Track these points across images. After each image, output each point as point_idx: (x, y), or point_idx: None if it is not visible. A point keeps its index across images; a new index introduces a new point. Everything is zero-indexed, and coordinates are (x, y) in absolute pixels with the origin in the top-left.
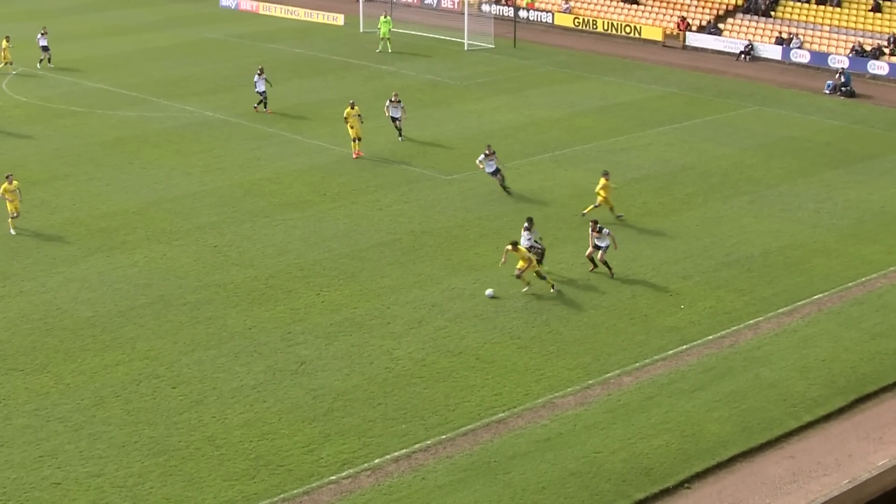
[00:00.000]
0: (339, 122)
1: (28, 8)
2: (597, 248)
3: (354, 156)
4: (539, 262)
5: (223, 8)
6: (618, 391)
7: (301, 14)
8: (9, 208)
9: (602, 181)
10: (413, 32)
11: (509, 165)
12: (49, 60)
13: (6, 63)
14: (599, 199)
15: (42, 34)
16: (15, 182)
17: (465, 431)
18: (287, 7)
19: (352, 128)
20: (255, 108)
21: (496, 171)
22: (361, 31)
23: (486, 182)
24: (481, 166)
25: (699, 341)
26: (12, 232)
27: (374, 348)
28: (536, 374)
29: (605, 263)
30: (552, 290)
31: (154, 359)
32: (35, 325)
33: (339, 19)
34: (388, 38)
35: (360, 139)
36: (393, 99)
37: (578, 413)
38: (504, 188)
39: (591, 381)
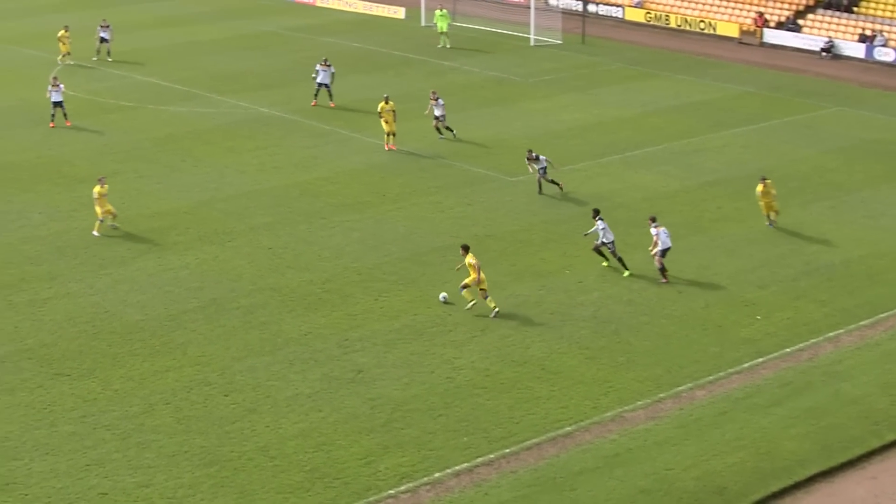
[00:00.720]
0: (399, 121)
1: None
2: (662, 253)
3: (387, 148)
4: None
5: None
6: (690, 405)
7: (359, 7)
8: (97, 212)
9: (760, 187)
10: (477, 27)
11: (577, 167)
12: (108, 53)
13: (65, 54)
14: (768, 205)
15: (102, 26)
16: (107, 185)
17: (529, 445)
18: None
19: (385, 122)
20: (320, 103)
21: (544, 170)
22: (423, 24)
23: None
24: (531, 170)
25: (776, 354)
26: (95, 234)
27: (434, 357)
28: (605, 387)
29: (662, 268)
30: (493, 313)
31: (205, 365)
32: (82, 329)
33: (400, 12)
34: (447, 33)
35: (394, 134)
36: (432, 97)
37: (649, 428)
38: (546, 182)
39: (662, 395)
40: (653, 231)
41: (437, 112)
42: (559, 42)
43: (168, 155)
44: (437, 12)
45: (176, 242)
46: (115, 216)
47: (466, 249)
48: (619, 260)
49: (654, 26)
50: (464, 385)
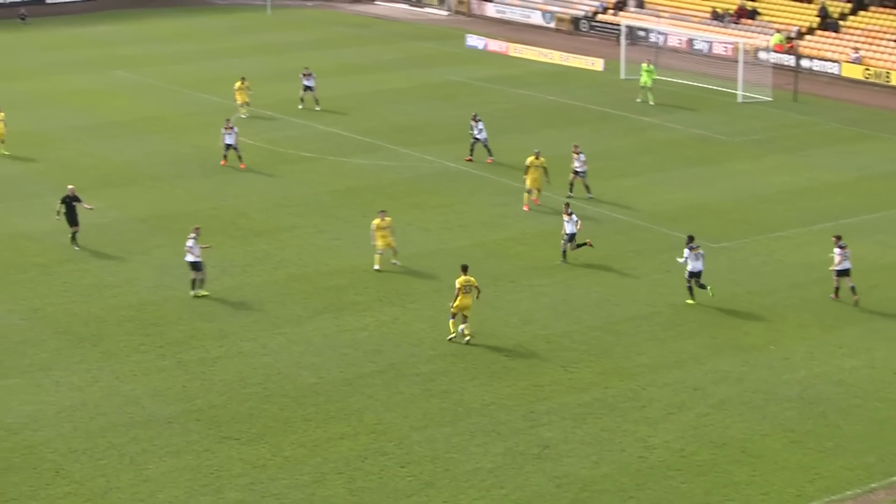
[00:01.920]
0: (594, 179)
1: (257, 42)
2: (840, 273)
3: (525, 207)
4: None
5: (469, 48)
6: None
7: (556, 57)
8: (378, 244)
9: None
10: (679, 81)
11: (785, 234)
12: (316, 102)
13: (242, 104)
14: None
15: (305, 74)
16: (388, 219)
17: None
18: (540, 49)
19: (526, 179)
20: (477, 158)
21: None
22: (622, 77)
23: (758, 252)
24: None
25: None
26: (376, 267)
27: (626, 434)
28: (811, 473)
29: (853, 290)
30: (464, 340)
31: (382, 434)
32: (253, 391)
33: (598, 64)
34: (650, 89)
35: (539, 190)
36: (574, 150)
37: None
38: (581, 245)
39: (874, 485)
40: (838, 251)
41: (577, 166)
42: (769, 99)
43: (348, 209)
44: (644, 66)
45: (354, 302)
46: (395, 252)
47: (464, 270)
48: (700, 286)
49: (873, 84)
50: (657, 466)
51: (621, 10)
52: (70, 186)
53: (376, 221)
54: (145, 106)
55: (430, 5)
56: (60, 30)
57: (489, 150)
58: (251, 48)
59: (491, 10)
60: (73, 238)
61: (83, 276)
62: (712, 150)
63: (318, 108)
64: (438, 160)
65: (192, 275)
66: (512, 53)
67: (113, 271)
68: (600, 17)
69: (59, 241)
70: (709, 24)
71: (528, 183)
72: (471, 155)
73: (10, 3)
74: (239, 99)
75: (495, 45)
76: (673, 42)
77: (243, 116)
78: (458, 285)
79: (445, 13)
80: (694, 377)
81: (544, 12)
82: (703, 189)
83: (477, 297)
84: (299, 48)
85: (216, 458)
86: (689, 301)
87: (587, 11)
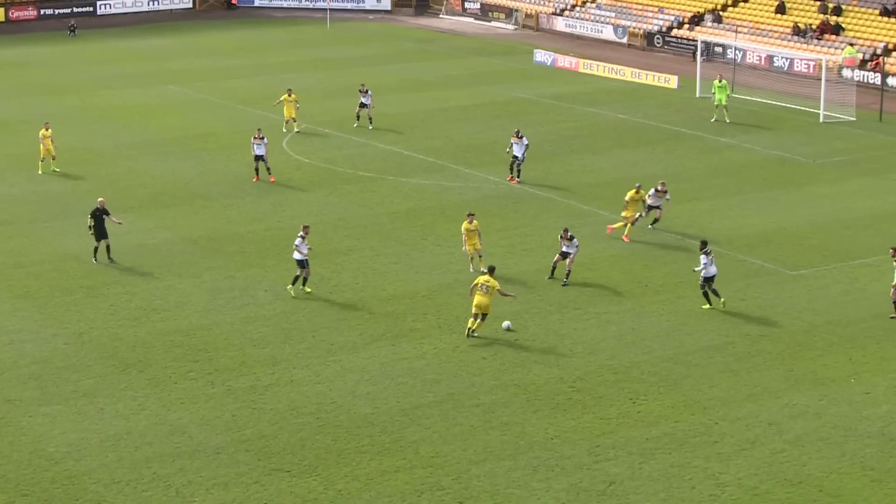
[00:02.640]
0: (671, 202)
1: (316, 56)
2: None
3: (625, 238)
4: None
5: (537, 64)
6: None
7: (627, 74)
8: (467, 248)
9: None
10: (758, 99)
11: (868, 261)
12: (370, 121)
13: (289, 119)
14: None
15: (361, 91)
16: (475, 221)
17: None
18: (611, 66)
19: (627, 209)
20: (511, 178)
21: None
22: (698, 95)
23: (839, 280)
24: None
25: None
26: (484, 268)
27: (696, 471)
28: None
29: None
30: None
31: (439, 467)
32: (306, 420)
33: (672, 81)
34: (725, 106)
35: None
36: (661, 188)
37: None
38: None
39: None
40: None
41: (651, 201)
42: (853, 119)
43: (408, 232)
44: (716, 83)
45: (413, 329)
46: (481, 256)
47: (490, 271)
48: (714, 292)
49: None
50: None
51: (697, 25)
52: (100, 199)
53: (465, 224)
54: (198, 122)
55: (496, 19)
56: (111, 42)
57: (512, 169)
58: (309, 63)
59: (560, 25)
60: (107, 252)
61: (131, 298)
62: (792, 172)
63: (371, 128)
64: (504, 181)
65: (298, 272)
66: (582, 70)
67: (161, 294)
68: (675, 32)
69: (105, 261)
70: (790, 40)
71: (628, 213)
72: (517, 175)
73: (60, 14)
74: (286, 114)
75: (564, 61)
76: (752, 59)
77: (296, 131)
78: (474, 283)
79: (513, 28)
80: (769, 411)
81: (616, 27)
82: (782, 213)
83: (504, 296)
84: (359, 63)
85: (266, 491)
86: (706, 306)
87: (661, 26)
